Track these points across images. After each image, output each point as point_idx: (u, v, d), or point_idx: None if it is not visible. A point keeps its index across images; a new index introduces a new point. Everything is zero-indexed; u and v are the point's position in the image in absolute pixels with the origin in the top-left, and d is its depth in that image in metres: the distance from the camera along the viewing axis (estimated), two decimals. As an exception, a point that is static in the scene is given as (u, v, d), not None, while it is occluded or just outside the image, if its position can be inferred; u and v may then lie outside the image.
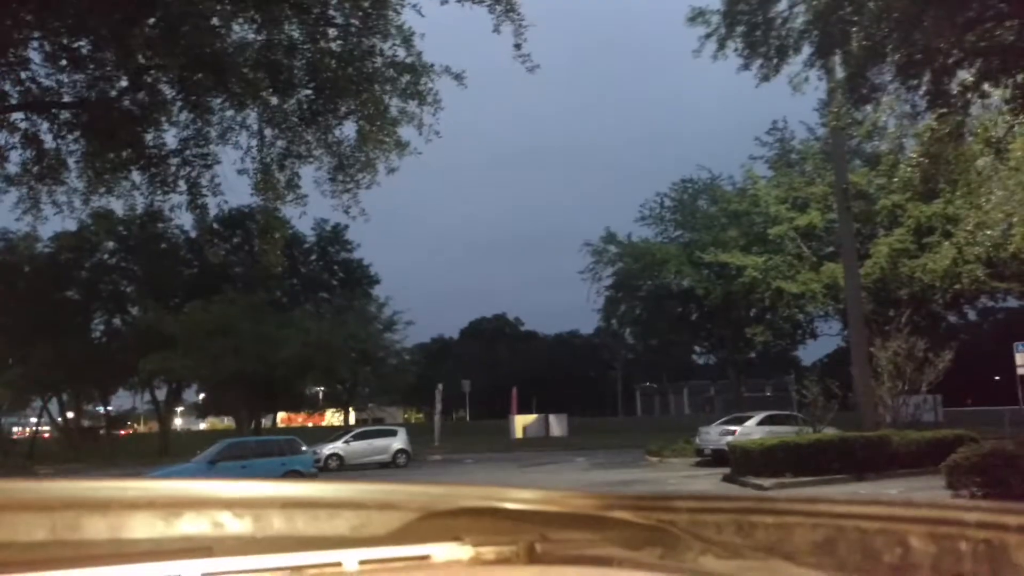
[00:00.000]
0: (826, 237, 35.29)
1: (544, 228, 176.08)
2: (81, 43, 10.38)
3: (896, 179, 25.23)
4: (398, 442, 36.04)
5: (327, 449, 34.45)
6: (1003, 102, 13.58)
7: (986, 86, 12.66)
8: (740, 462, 21.40)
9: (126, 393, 62.25)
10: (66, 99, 11.03)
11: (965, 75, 12.64)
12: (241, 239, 54.71)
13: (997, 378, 50.05)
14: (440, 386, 48.20)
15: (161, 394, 56.47)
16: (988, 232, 22.71)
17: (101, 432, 60.99)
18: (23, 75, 10.53)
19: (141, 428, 76.58)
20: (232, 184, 11.58)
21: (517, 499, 1.18)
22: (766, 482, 19.48)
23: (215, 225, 49.01)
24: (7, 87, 10.53)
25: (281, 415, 74.98)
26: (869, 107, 13.94)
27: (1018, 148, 17.52)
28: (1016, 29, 12.12)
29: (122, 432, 65.46)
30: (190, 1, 9.84)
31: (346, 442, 35.58)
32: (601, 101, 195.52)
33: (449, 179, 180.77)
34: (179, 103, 11.06)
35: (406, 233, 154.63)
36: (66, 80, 10.86)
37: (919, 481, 17.71)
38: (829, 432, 23.55)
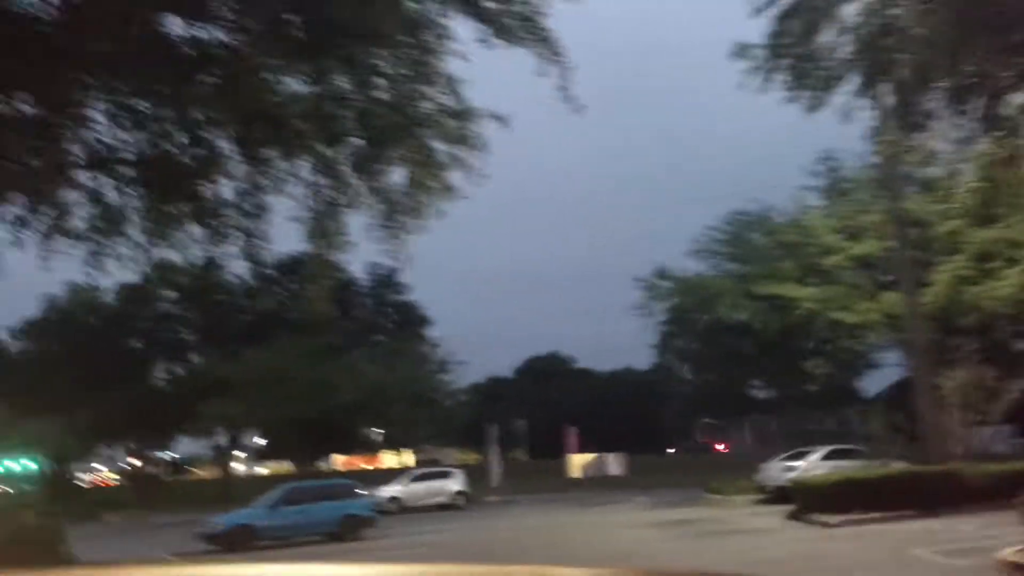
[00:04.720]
0: (883, 266, 34.58)
1: (594, 265, 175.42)
2: (141, 102, 10.75)
3: (954, 205, 24.69)
4: (456, 483, 35.98)
5: (386, 492, 34.51)
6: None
7: (1041, 107, 12.43)
8: (804, 499, 20.90)
9: (188, 439, 63.28)
10: (128, 156, 11.40)
11: (1019, 98, 12.43)
12: (297, 285, 55.58)
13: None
14: (495, 426, 48.01)
15: (222, 439, 57.30)
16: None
17: (164, 478, 62.01)
18: (87, 135, 10.93)
19: (203, 473, 77.58)
20: (286, 232, 11.79)
21: None
22: (832, 519, 18.99)
23: (270, 272, 50.07)
24: (73, 147, 10.93)
25: (340, 458, 75.39)
26: (921, 134, 13.75)
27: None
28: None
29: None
30: (243, 57, 10.14)
31: (405, 484, 35.62)
32: (642, 138, 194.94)
33: (499, 219, 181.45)
34: (234, 156, 11.37)
35: (458, 274, 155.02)
36: (128, 138, 11.23)
37: (996, 516, 17.09)
38: (897, 466, 22.92)
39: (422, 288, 78.33)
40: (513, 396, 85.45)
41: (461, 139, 11.36)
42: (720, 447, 57.61)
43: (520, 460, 72.69)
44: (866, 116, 14.58)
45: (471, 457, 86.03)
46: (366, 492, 25.67)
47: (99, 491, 63.89)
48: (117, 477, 68.28)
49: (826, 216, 36.17)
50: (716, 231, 43.32)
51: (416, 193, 11.70)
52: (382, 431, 60.72)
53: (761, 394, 69.12)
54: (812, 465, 26.10)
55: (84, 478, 75.52)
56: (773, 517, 21.81)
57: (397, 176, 11.75)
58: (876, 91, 13.89)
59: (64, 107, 10.05)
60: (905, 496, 19.71)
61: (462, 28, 10.87)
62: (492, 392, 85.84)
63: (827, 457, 26.73)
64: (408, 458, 62.89)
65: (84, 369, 49.13)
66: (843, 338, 35.67)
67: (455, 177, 11.79)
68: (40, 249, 11.57)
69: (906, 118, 13.20)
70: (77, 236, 11.79)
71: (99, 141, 11.20)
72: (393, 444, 62.23)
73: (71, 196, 11.56)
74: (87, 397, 50.45)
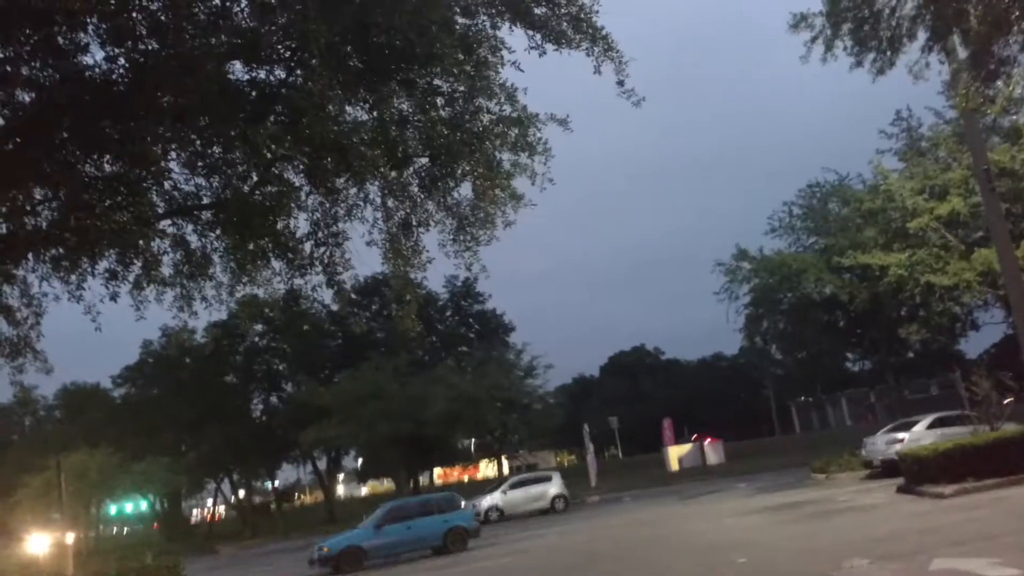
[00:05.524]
0: (972, 223, 33.29)
1: (670, 253, 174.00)
2: (213, 148, 11.10)
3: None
4: (554, 487, 35.95)
5: (486, 502, 34.73)
6: None
7: None
8: (913, 471, 20.25)
9: (290, 467, 64.90)
10: (205, 201, 11.79)
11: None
12: (379, 306, 56.54)
13: None
14: (586, 426, 47.88)
15: (322, 464, 58.58)
16: None
17: (271, 507, 63.68)
18: (166, 185, 11.35)
19: (307, 499, 79.40)
20: (363, 256, 12.02)
21: None
22: (945, 489, 18.35)
23: (353, 296, 51.01)
24: (155, 199, 11.35)
25: (437, 471, 76.20)
26: (999, 82, 13.19)
27: None
28: None
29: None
30: (306, 92, 10.37)
31: (503, 492, 35.77)
32: (697, 121, 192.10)
33: (563, 218, 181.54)
34: (306, 189, 11.64)
35: (533, 277, 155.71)
36: (204, 184, 11.62)
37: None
38: (1009, 428, 21.97)
39: (500, 295, 78.94)
40: (601, 393, 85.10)
41: (524, 147, 11.40)
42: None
43: (615, 457, 72.37)
44: (936, 73, 14.09)
45: (566, 458, 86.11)
46: (467, 503, 25.84)
47: (211, 525, 65.97)
48: (226, 510, 70.39)
49: (906, 178, 35.03)
50: (793, 206, 42.47)
51: (484, 205, 11.80)
52: (476, 440, 61.21)
53: (856, 367, 67.38)
54: (918, 435, 25.22)
55: (196, 513, 78.21)
56: (883, 492, 21.19)
57: (465, 190, 11.88)
58: (946, 45, 13.41)
59: (142, 161, 10.44)
60: (1020, 459, 18.89)
61: (514, 37, 10.92)
62: (580, 392, 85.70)
63: (933, 425, 25.80)
64: (504, 465, 63.16)
65: (185, 408, 50.83)
66: (937, 302, 34.43)
67: (521, 184, 11.84)
68: (132, 298, 12.04)
69: (981, 68, 12.67)
70: (164, 282, 12.22)
71: (177, 189, 11.63)
72: (488, 452, 62.61)
73: (156, 245, 12.02)
74: (190, 435, 52.24)
